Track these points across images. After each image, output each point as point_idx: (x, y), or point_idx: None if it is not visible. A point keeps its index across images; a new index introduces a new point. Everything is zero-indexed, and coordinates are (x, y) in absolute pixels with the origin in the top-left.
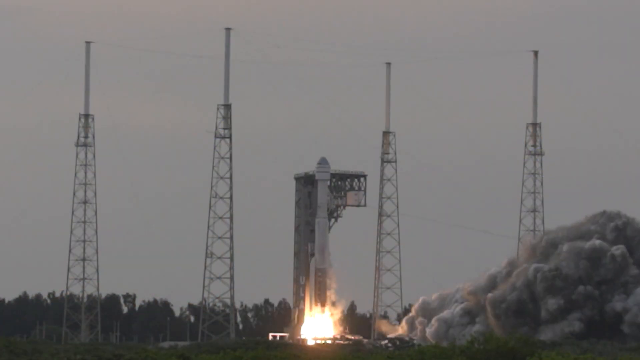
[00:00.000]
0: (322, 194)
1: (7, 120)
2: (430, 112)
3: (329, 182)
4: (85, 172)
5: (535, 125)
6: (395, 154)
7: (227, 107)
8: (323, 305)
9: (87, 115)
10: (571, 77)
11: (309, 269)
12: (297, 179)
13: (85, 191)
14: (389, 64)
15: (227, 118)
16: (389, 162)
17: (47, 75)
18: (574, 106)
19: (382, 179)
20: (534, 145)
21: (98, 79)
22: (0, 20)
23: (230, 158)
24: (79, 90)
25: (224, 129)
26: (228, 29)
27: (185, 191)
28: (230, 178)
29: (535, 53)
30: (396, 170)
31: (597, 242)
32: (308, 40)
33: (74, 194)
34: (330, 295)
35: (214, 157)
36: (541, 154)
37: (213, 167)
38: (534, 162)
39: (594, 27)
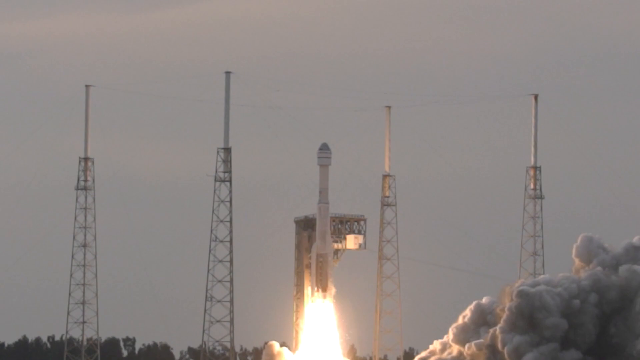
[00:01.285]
0: (323, 179)
1: (7, 163)
2: (430, 155)
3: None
4: (85, 216)
5: (535, 168)
6: (395, 197)
7: (227, 150)
8: (324, 290)
9: (86, 159)
10: (571, 120)
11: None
12: (297, 222)
13: (85, 234)
14: (388, 107)
15: (227, 161)
16: (388, 205)
17: (46, 119)
18: (574, 149)
19: (382, 223)
20: (534, 189)
21: (98, 123)
22: None
23: (230, 201)
24: (78, 134)
25: (224, 172)
26: (228, 73)
27: (185, 234)
28: (230, 221)
29: (536, 97)
30: (396, 213)
31: None
32: (308, 83)
33: (74, 237)
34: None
35: (214, 200)
36: (541, 197)
37: (213, 210)
38: (534, 206)
39: (594, 71)
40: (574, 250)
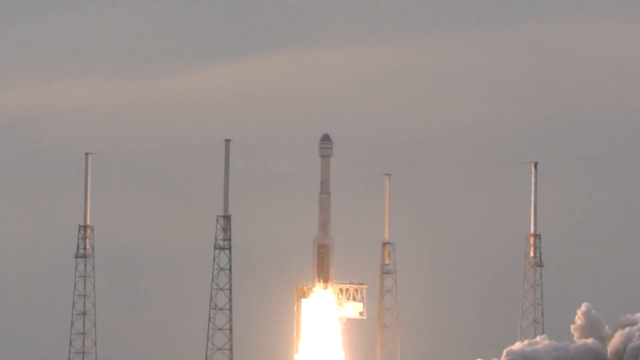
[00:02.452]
0: (324, 171)
1: (6, 231)
2: (430, 223)
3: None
4: (85, 284)
5: (535, 236)
6: (395, 264)
7: (227, 218)
8: (326, 281)
9: (86, 227)
10: (571, 188)
11: None
12: (297, 289)
13: (84, 302)
14: (388, 174)
15: (227, 229)
16: (388, 273)
17: (46, 187)
18: (574, 217)
19: (381, 290)
20: (534, 257)
21: (97, 190)
22: None
23: (230, 269)
24: (78, 202)
25: (224, 240)
26: (227, 140)
27: (185, 302)
28: (230, 289)
29: (535, 164)
30: (396, 281)
31: None
32: (307, 151)
33: (73, 305)
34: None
35: (214, 268)
36: (541, 265)
37: (212, 278)
38: (534, 274)
39: (594, 139)
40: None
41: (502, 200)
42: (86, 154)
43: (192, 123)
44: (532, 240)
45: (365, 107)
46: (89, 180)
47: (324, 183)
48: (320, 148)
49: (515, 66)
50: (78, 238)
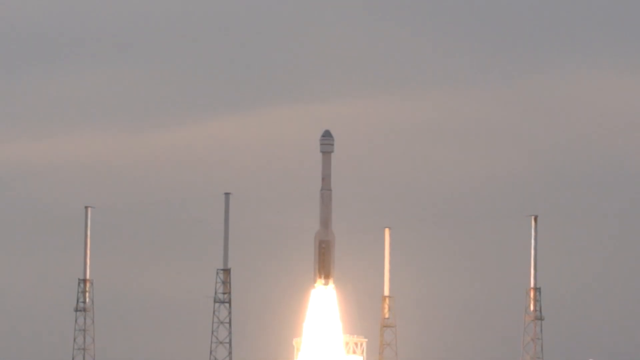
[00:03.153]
0: (326, 166)
1: (5, 284)
2: (430, 276)
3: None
4: (84, 337)
5: (535, 289)
6: (394, 318)
7: (227, 271)
8: (327, 277)
9: (85, 280)
10: (571, 241)
11: None
12: (297, 344)
13: (83, 356)
14: (389, 228)
15: (227, 282)
16: (388, 326)
17: (46, 240)
18: (574, 270)
19: (381, 344)
20: (534, 310)
21: (97, 244)
22: None
23: (230, 323)
24: (78, 255)
25: (223, 293)
26: (227, 194)
27: (184, 356)
28: (230, 343)
29: (535, 218)
30: (396, 335)
31: None
32: (306, 205)
33: (73, 359)
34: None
35: (213, 321)
36: (541, 318)
37: (212, 331)
38: (534, 327)
39: (594, 192)
40: None
41: (502, 254)
42: (86, 207)
43: (191, 176)
44: (532, 294)
45: (365, 160)
46: (88, 233)
47: (325, 179)
48: (322, 144)
49: (515, 121)
50: (78, 291)
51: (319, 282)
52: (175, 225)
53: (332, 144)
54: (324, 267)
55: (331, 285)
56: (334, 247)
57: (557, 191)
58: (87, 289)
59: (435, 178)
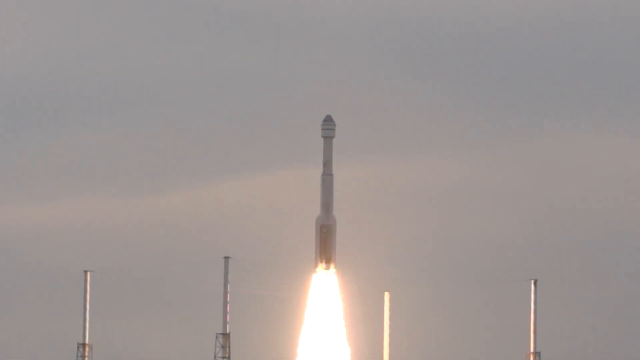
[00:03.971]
0: (327, 151)
1: (4, 349)
2: (429, 340)
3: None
4: None
5: (535, 354)
6: None
7: (226, 335)
8: (328, 262)
9: (85, 345)
10: (571, 305)
11: None
12: None
13: None
14: (387, 291)
15: (226, 347)
16: None
17: (45, 304)
18: (573, 335)
19: None
20: None
21: (96, 308)
22: None
23: None
24: (77, 319)
25: (223, 357)
26: (226, 258)
27: None
28: None
29: (535, 282)
30: None
31: None
32: (304, 270)
33: None
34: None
35: None
36: None
37: None
38: None
39: (594, 256)
40: None
41: (502, 318)
42: (85, 271)
43: (190, 240)
44: (531, 358)
45: (363, 224)
46: (87, 297)
47: (327, 164)
48: (323, 129)
49: (514, 183)
50: (77, 356)
51: (320, 267)
52: (174, 289)
53: (333, 129)
54: (325, 251)
55: (332, 270)
56: (335, 232)
57: (557, 255)
58: (86, 353)
59: (433, 241)
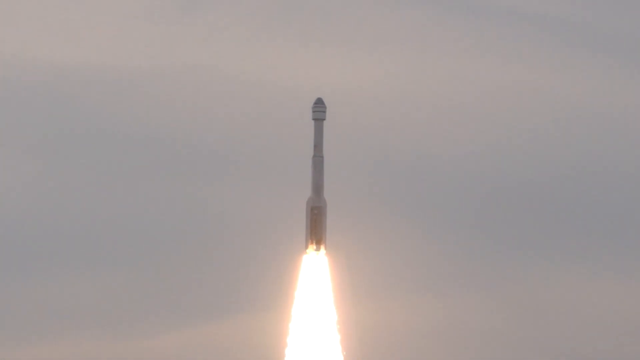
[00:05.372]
0: (318, 134)
1: None
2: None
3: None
4: None
5: None
6: None
7: None
8: (319, 243)
9: None
10: None
11: None
12: None
13: None
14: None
15: None
16: None
17: None
18: None
19: None
20: None
21: None
22: None
23: None
24: None
25: None
26: None
27: None
28: None
29: None
30: None
31: None
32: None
33: None
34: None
35: None
36: None
37: None
38: None
39: None
40: None
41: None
42: None
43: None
44: None
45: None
46: None
47: (317, 146)
48: (314, 112)
49: (509, 325)
50: None
51: (311, 248)
52: None
53: (324, 112)
54: (315, 233)
55: (323, 251)
56: (325, 214)
57: None
58: None
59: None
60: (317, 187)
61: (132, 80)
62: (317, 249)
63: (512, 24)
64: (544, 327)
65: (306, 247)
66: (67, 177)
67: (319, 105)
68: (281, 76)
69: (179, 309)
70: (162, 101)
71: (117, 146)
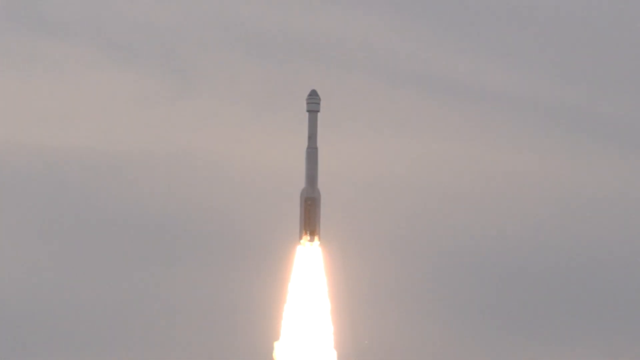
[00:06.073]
0: (312, 125)
1: None
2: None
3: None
4: None
5: None
6: None
7: None
8: (313, 234)
9: None
10: None
11: None
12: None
13: None
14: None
15: None
16: None
17: None
18: None
19: None
20: None
21: None
22: None
23: None
24: None
25: None
26: None
27: None
28: None
29: None
30: None
31: None
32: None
33: None
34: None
35: None
36: None
37: None
38: None
39: None
40: None
41: None
42: None
43: None
44: None
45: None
46: None
47: (312, 138)
48: (308, 103)
49: None
50: None
51: (305, 239)
52: None
53: (318, 103)
54: (309, 224)
55: (317, 242)
56: (319, 205)
57: None
58: None
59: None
60: (311, 178)
61: (125, 165)
62: (311, 240)
63: (520, 112)
64: None
65: (300, 238)
66: (55, 263)
67: (313, 97)
68: None
69: (175, 305)
70: (155, 186)
71: (110, 231)
